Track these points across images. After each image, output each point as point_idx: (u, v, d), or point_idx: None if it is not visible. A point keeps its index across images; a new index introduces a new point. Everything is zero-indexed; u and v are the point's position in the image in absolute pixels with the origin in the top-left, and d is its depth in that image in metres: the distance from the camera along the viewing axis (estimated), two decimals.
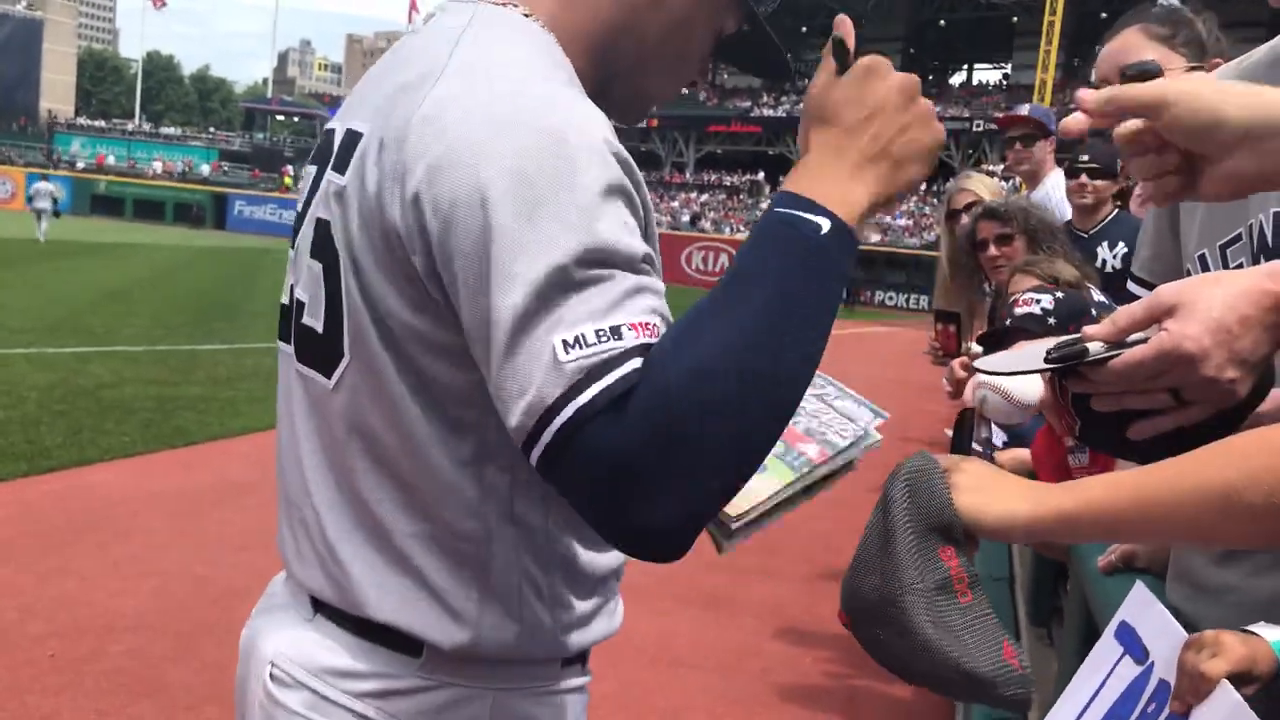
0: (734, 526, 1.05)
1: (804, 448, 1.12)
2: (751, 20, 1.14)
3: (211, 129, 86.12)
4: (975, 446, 2.95)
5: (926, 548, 0.88)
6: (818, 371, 1.14)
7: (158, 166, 57.68)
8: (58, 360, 9.40)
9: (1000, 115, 4.84)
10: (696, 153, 57.35)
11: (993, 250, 3.25)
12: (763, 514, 1.06)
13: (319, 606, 1.08)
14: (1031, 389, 1.20)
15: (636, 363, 0.85)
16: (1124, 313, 0.93)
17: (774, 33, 1.17)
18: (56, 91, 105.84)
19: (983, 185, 4.01)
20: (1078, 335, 0.94)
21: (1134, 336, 0.92)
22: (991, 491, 0.91)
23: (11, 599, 4.13)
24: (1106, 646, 1.12)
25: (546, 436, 0.84)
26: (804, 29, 61.95)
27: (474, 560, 1.02)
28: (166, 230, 42.59)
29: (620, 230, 0.89)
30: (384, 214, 0.93)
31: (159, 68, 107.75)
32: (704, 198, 52.85)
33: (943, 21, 57.28)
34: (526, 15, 1.05)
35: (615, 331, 0.86)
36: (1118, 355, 0.91)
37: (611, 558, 1.13)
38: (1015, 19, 52.55)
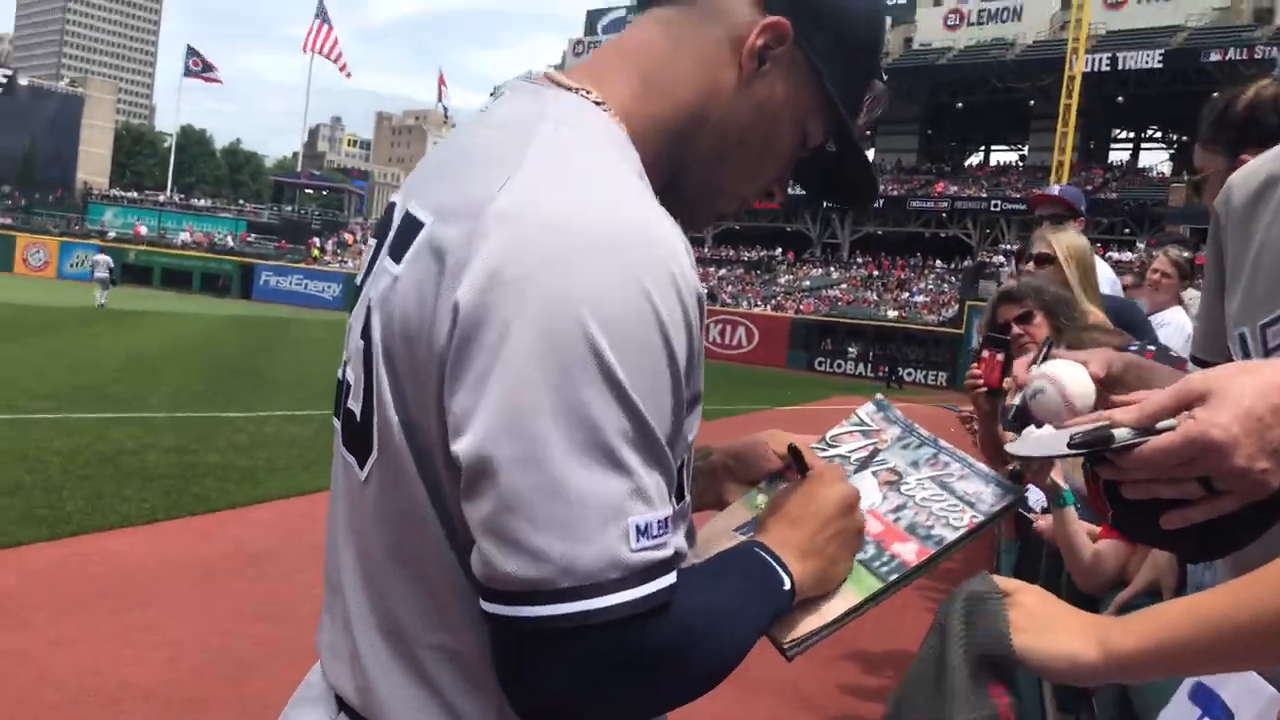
0: (786, 648, 1.02)
1: (900, 549, 1.07)
2: (841, 135, 1.08)
3: (241, 201, 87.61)
4: (1010, 466, 2.88)
5: (979, 683, 0.86)
6: (945, 445, 1.19)
7: (185, 236, 58.61)
8: (81, 426, 9.49)
9: (1031, 194, 4.93)
10: (714, 228, 57.80)
11: (1016, 329, 3.30)
12: (826, 628, 1.04)
13: (343, 706, 1.01)
14: (1091, 391, 1.21)
15: (673, 577, 0.86)
16: (1152, 399, 0.90)
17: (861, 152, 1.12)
18: (93, 164, 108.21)
19: (1061, 242, 3.81)
20: (1105, 420, 0.92)
21: (1163, 424, 0.88)
22: (1053, 632, 0.88)
23: (29, 665, 4.14)
24: (1180, 710, 1.10)
25: (569, 608, 0.81)
26: None
27: (494, 686, 0.90)
28: (193, 299, 43.11)
29: (667, 412, 0.86)
30: (427, 310, 0.87)
31: (192, 141, 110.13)
32: (722, 272, 53.14)
33: (960, 104, 57.92)
34: (599, 103, 0.99)
35: (665, 524, 0.85)
36: (1145, 442, 0.88)
37: None
38: (1032, 102, 53.09)
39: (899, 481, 1.16)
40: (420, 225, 0.93)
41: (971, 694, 0.86)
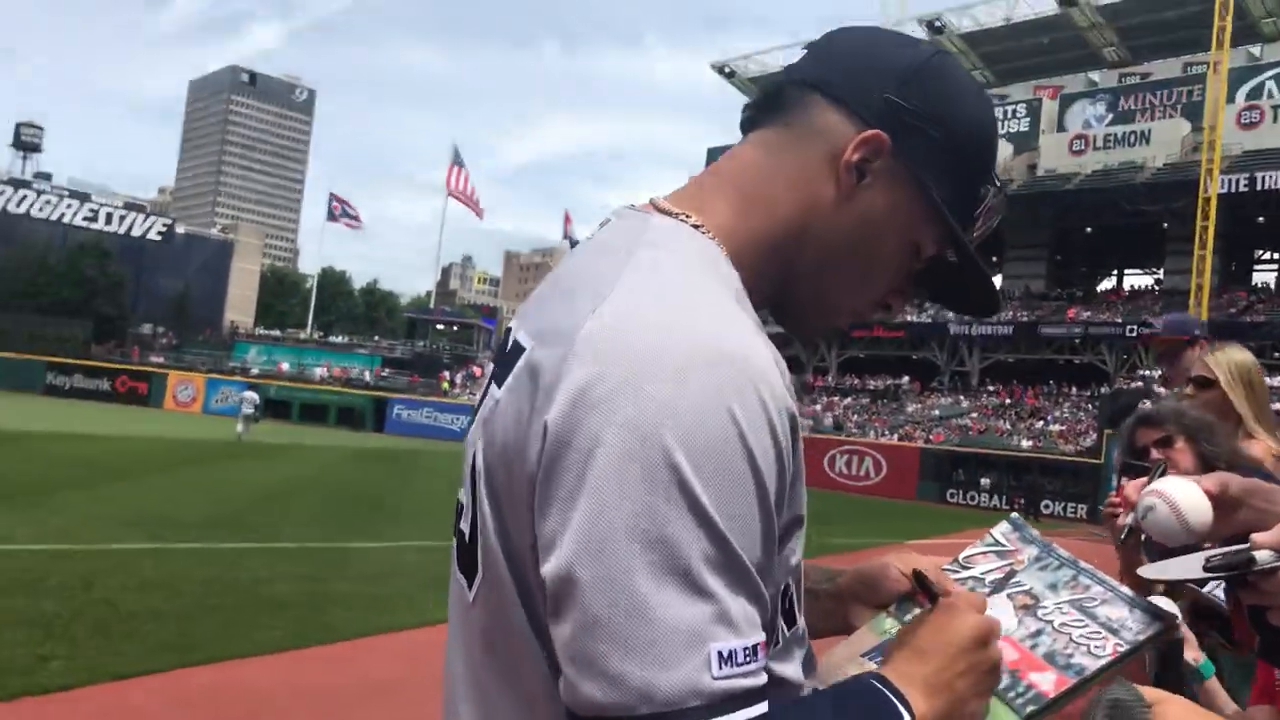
0: None
1: (1037, 678, 1.00)
2: (957, 247, 1.07)
3: (376, 337, 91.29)
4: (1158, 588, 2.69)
5: None
6: (1085, 566, 1.10)
7: (322, 372, 61.21)
8: (217, 555, 9.80)
9: (1144, 336, 4.77)
10: (839, 357, 57.48)
11: (1155, 455, 3.15)
12: None
13: None
14: (1205, 508, 1.12)
15: (764, 706, 0.82)
16: None
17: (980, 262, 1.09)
18: (240, 305, 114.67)
19: (1221, 362, 3.55)
20: (1246, 544, 0.88)
21: None
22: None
23: None
24: None
25: None
26: None
27: None
28: (329, 432, 44.65)
29: (756, 537, 0.84)
30: (522, 432, 0.88)
31: (332, 281, 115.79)
32: (847, 401, 52.56)
33: (1089, 229, 57.02)
34: (698, 226, 1.00)
35: (754, 653, 0.82)
36: None
37: None
38: (1165, 225, 51.92)
39: (1036, 605, 1.08)
40: (522, 350, 0.95)
41: None
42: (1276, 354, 42.35)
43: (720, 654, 0.79)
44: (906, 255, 1.05)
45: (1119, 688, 0.86)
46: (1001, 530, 1.22)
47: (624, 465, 0.80)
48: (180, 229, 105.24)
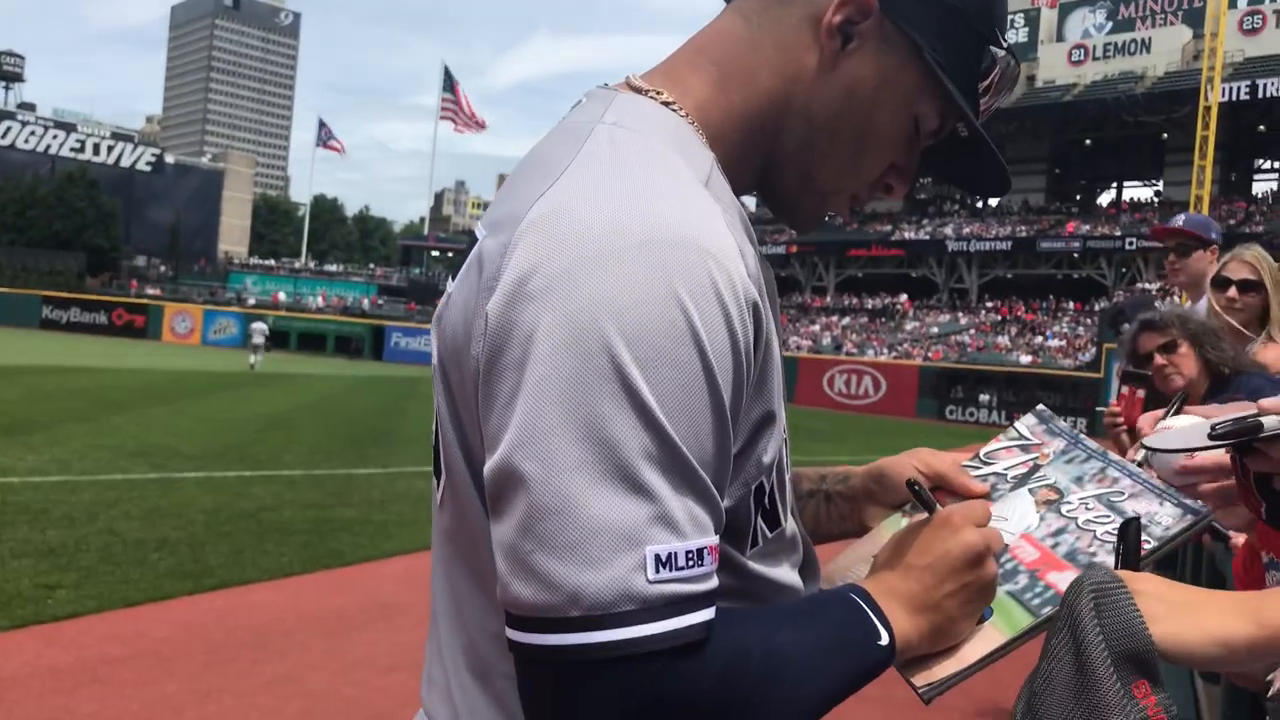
0: (921, 692, 0.95)
1: (1057, 579, 0.95)
2: (962, 120, 0.97)
3: (371, 265, 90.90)
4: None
5: (1124, 683, 0.78)
6: (1115, 459, 1.04)
7: (319, 300, 61.12)
8: (224, 484, 9.86)
9: (1154, 227, 4.68)
10: (837, 277, 57.34)
11: (1159, 360, 3.12)
12: (966, 672, 0.95)
13: None
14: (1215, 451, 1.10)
15: (709, 613, 0.77)
16: None
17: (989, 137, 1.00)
18: (233, 235, 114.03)
19: (1266, 265, 3.56)
20: (1253, 409, 0.86)
21: None
22: (1194, 615, 0.80)
23: (175, 715, 4.24)
24: None
25: (578, 639, 0.73)
26: None
27: None
28: (328, 361, 44.72)
29: (707, 434, 0.78)
30: (468, 324, 0.84)
31: (324, 210, 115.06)
32: (845, 321, 52.56)
33: (1088, 141, 56.45)
34: (668, 103, 0.93)
35: (699, 557, 0.76)
36: None
37: None
38: (1165, 135, 51.40)
39: (1060, 501, 1.03)
40: (475, 241, 0.90)
41: (1120, 695, 0.77)
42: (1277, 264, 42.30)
43: (658, 556, 0.74)
44: (904, 129, 0.96)
45: (1095, 572, 0.83)
46: (1026, 423, 1.17)
47: (562, 360, 0.75)
48: (170, 158, 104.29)
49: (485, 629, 0.90)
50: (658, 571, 0.74)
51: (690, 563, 0.75)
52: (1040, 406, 1.21)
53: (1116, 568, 0.82)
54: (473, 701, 0.92)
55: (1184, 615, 0.80)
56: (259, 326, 35.53)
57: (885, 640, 0.88)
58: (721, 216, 0.84)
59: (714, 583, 0.77)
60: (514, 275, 0.79)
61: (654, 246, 0.77)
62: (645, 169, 0.84)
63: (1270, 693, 1.59)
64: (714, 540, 0.78)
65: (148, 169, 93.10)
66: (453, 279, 0.93)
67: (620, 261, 0.77)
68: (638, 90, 0.95)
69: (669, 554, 0.74)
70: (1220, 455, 1.06)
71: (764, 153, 0.97)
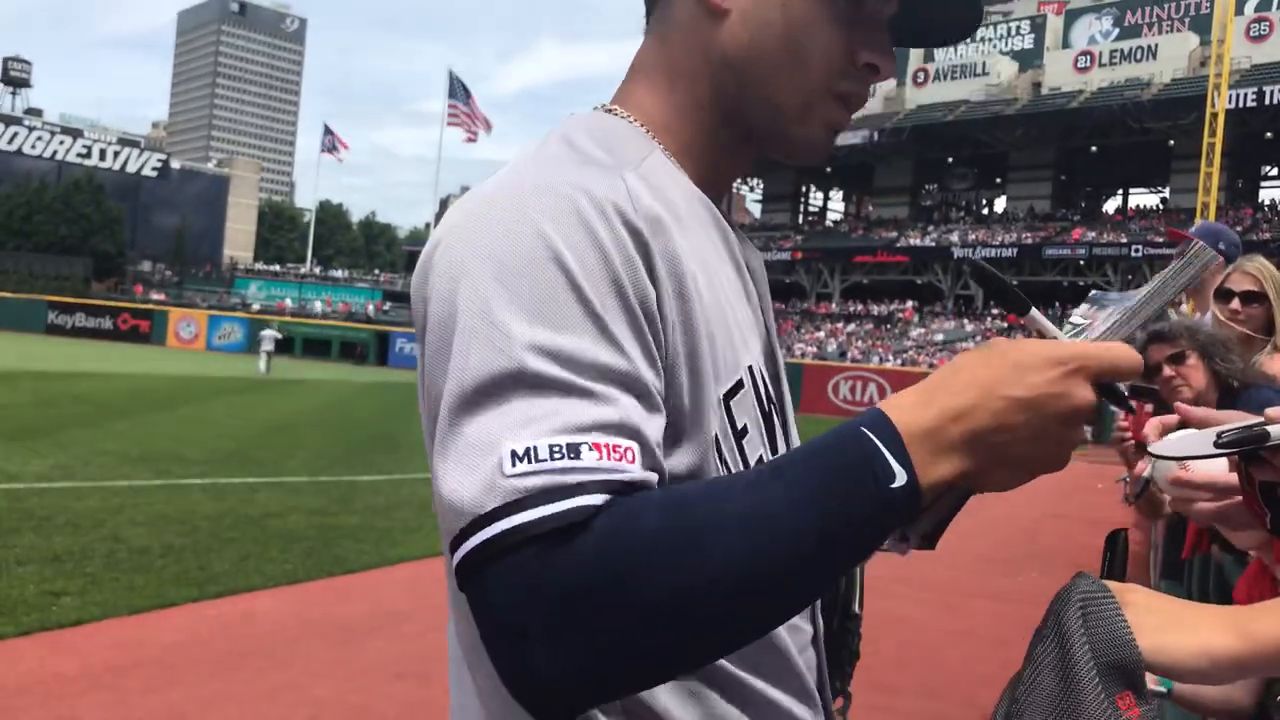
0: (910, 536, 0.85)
1: None
2: None
3: (376, 271, 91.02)
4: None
5: (1108, 694, 0.76)
6: (1118, 297, 0.94)
7: (320, 306, 61.26)
8: (228, 490, 9.85)
9: (1170, 229, 4.66)
10: (842, 283, 57.31)
11: (1167, 371, 3.09)
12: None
13: None
14: (1212, 463, 1.07)
15: (597, 499, 0.75)
16: None
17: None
18: (238, 240, 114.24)
19: (1269, 276, 3.47)
20: (1260, 419, 0.85)
21: None
22: (1181, 629, 0.79)
23: None
24: None
25: (468, 545, 0.76)
26: (949, 159, 62.00)
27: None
28: (332, 366, 44.76)
29: (585, 340, 0.80)
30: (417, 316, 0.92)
31: (330, 215, 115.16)
32: (850, 327, 52.51)
33: (1094, 147, 56.40)
34: (610, 110, 1.01)
35: (574, 450, 0.77)
36: None
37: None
38: (1172, 142, 51.34)
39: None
40: None
41: (1104, 706, 0.75)
42: None
43: (514, 453, 0.76)
44: (826, 12, 0.96)
45: (1081, 581, 0.82)
46: (1080, 311, 1.13)
47: (441, 307, 0.84)
48: (175, 164, 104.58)
49: (466, 636, 0.94)
50: (514, 466, 0.76)
51: (556, 455, 0.76)
52: (1094, 291, 1.15)
53: (1102, 576, 0.80)
54: (460, 691, 0.97)
55: (1172, 628, 0.79)
56: (269, 334, 36.23)
57: (901, 481, 0.76)
58: (607, 177, 0.87)
59: (596, 476, 0.76)
60: (426, 260, 0.89)
61: (520, 196, 0.85)
62: (552, 155, 0.91)
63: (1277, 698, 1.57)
64: (600, 437, 0.78)
65: (154, 174, 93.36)
66: None
67: (489, 215, 0.85)
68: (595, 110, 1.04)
69: (526, 449, 0.76)
70: (1216, 473, 1.05)
71: (736, 119, 1.00)
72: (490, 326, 0.80)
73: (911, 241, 56.08)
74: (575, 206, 0.83)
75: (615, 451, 0.78)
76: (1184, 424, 1.15)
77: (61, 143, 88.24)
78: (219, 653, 5.16)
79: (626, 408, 0.80)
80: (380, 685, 4.82)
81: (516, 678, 0.75)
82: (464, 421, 0.79)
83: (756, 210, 73.99)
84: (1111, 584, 0.83)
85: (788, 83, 0.97)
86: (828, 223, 69.22)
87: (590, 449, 0.77)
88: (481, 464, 0.77)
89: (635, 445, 0.79)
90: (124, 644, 5.17)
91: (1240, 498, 0.94)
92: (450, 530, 0.78)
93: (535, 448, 0.76)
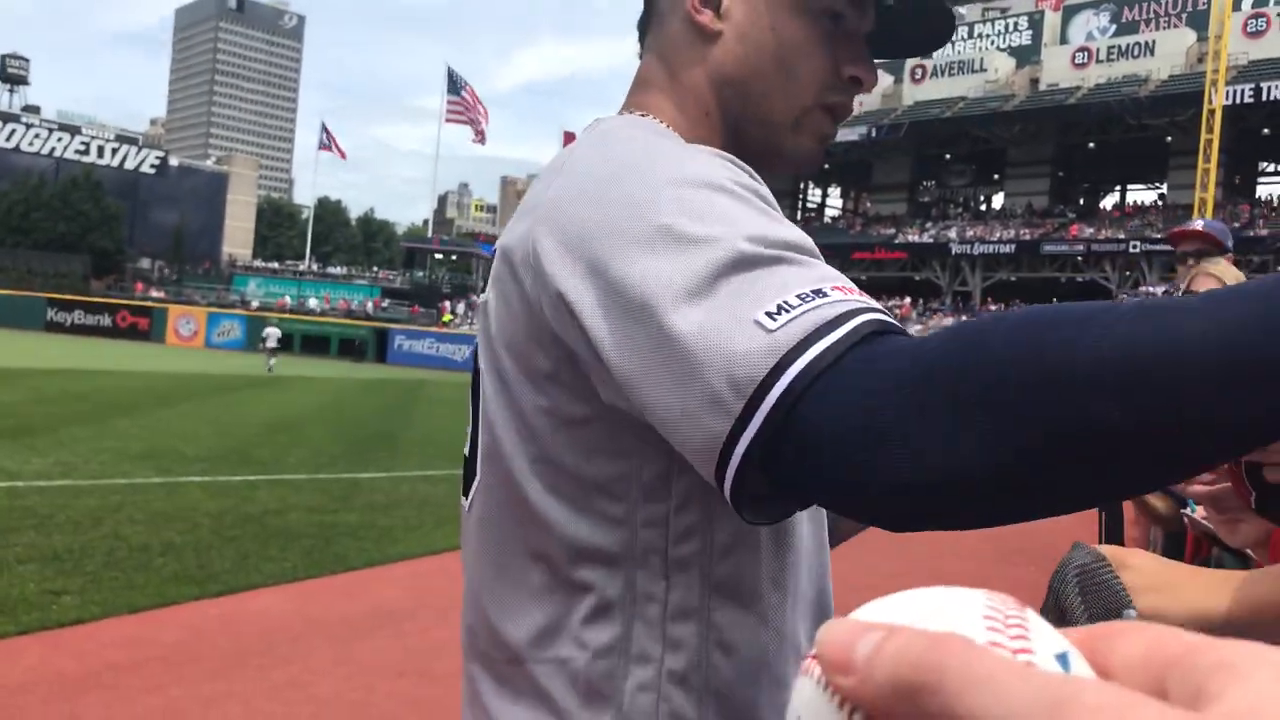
0: None
1: None
2: None
3: (375, 268, 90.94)
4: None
5: None
6: None
7: (314, 303, 61.29)
8: (228, 488, 9.86)
9: (1172, 230, 4.67)
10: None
11: None
12: None
13: None
14: None
15: (873, 317, 0.72)
16: None
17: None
18: (237, 237, 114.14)
19: (1229, 277, 3.53)
20: None
21: None
22: (1174, 590, 0.82)
23: None
24: None
25: (758, 416, 0.70)
26: (947, 156, 61.97)
27: (613, 691, 0.91)
28: (332, 364, 44.73)
29: (771, 222, 0.81)
30: (511, 307, 0.91)
31: (328, 212, 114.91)
32: None
33: (1092, 144, 56.39)
34: (642, 115, 1.05)
35: (820, 294, 0.73)
36: None
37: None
38: (1169, 139, 51.32)
39: None
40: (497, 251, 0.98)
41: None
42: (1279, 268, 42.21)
43: (768, 313, 0.72)
44: (812, 30, 1.02)
45: (1078, 553, 0.84)
46: None
47: (612, 234, 0.82)
48: (174, 161, 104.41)
49: (521, 621, 0.95)
50: (774, 321, 0.72)
51: (806, 300, 0.73)
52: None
53: (1100, 541, 0.81)
54: (504, 706, 0.97)
55: (1166, 590, 0.81)
56: (272, 331, 36.71)
57: None
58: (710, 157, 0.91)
59: (851, 304, 0.73)
60: (556, 234, 0.86)
61: (656, 160, 0.87)
62: (631, 142, 0.93)
63: None
64: (837, 283, 0.76)
65: (152, 171, 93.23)
66: (484, 292, 1.01)
67: (635, 171, 0.85)
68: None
69: (777, 305, 0.73)
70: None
71: (733, 135, 1.05)
72: (686, 239, 0.78)
73: (910, 238, 56.05)
74: (696, 153, 0.88)
75: (854, 292, 0.76)
76: None
77: (60, 140, 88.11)
78: (220, 651, 5.17)
79: (834, 269, 0.80)
80: (382, 683, 4.84)
81: (888, 492, 0.67)
82: (676, 326, 0.75)
83: None
84: (1108, 549, 0.86)
85: (781, 99, 1.03)
86: (826, 219, 69.19)
87: (833, 289, 0.74)
88: (733, 338, 0.72)
89: (834, 284, 0.76)
90: (125, 642, 5.18)
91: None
92: (719, 431, 0.72)
93: (785, 302, 0.73)
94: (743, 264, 0.76)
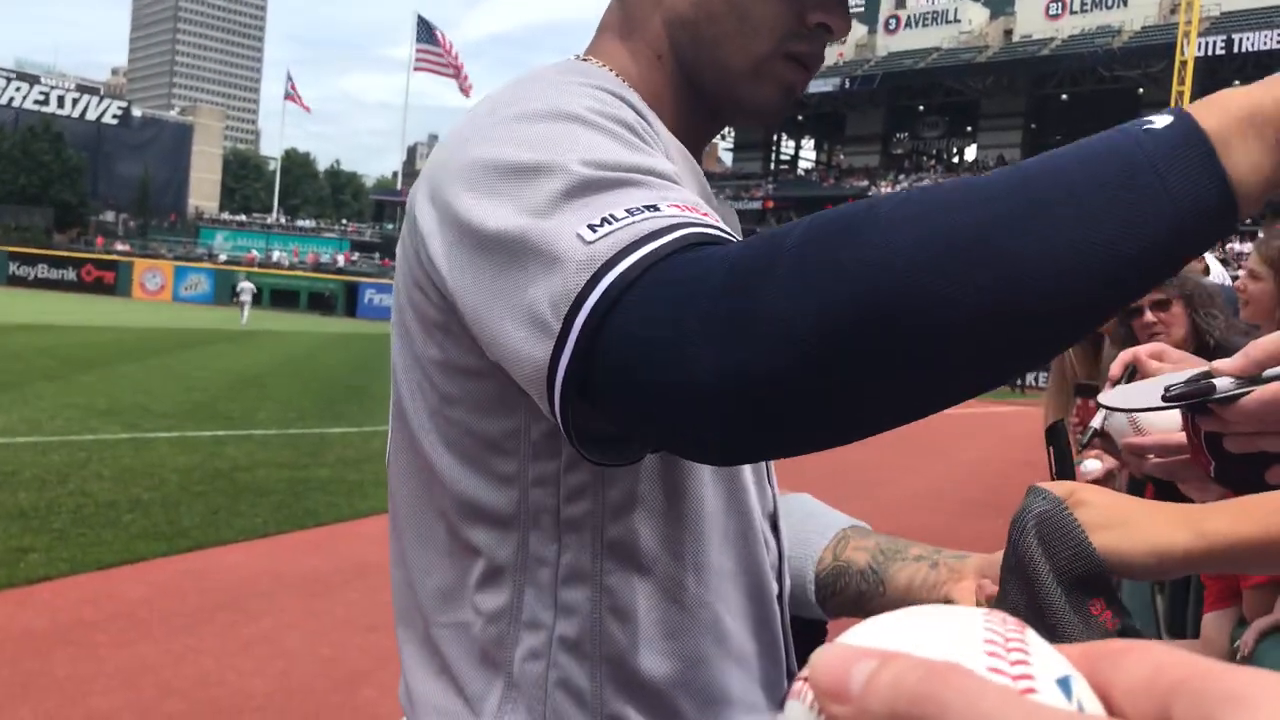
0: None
1: None
2: None
3: (344, 220, 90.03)
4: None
5: (1079, 608, 0.78)
6: None
7: (278, 256, 60.86)
8: (197, 443, 9.78)
9: None
10: None
11: (1149, 316, 3.09)
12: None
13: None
14: (1164, 420, 1.10)
15: (700, 230, 0.69)
16: (1259, 345, 0.82)
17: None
18: (203, 189, 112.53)
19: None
20: (1206, 369, 0.86)
21: (1270, 372, 0.81)
22: (1131, 526, 0.81)
23: (151, 676, 4.23)
24: None
25: (573, 332, 0.68)
26: (921, 107, 61.85)
27: (504, 660, 0.89)
28: (301, 318, 44.42)
29: (623, 148, 0.78)
30: (410, 251, 0.88)
31: (296, 164, 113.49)
32: None
33: (1065, 96, 56.41)
34: (584, 59, 1.00)
35: (653, 208, 0.70)
36: (1249, 393, 0.80)
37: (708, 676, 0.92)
38: (1141, 90, 51.41)
39: None
40: None
41: (1083, 626, 0.78)
42: (1248, 219, 42.58)
43: (590, 225, 0.70)
44: None
45: (1036, 499, 0.84)
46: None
47: (500, 164, 0.78)
48: (137, 111, 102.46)
49: (429, 580, 0.93)
50: (594, 233, 0.69)
51: (636, 213, 0.70)
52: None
53: (1052, 476, 0.82)
54: (414, 667, 0.96)
55: (1123, 527, 0.81)
56: (246, 285, 37.02)
57: (1164, 123, 0.60)
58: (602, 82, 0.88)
59: (698, 223, 0.70)
60: (427, 174, 0.86)
61: (517, 97, 0.84)
62: (525, 85, 0.87)
63: (1238, 657, 1.61)
64: (676, 200, 0.73)
65: (114, 122, 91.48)
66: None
67: (505, 115, 0.81)
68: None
69: (601, 219, 0.70)
70: (1168, 434, 1.07)
71: (686, 79, 0.98)
72: (524, 172, 0.76)
73: (883, 189, 56.06)
74: (568, 87, 0.84)
75: (698, 211, 0.72)
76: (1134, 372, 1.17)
77: (18, 89, 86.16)
78: (190, 607, 5.15)
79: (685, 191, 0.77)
80: (352, 637, 4.84)
81: (701, 403, 0.63)
82: (514, 243, 0.73)
83: (728, 159, 73.62)
84: (1063, 486, 0.86)
85: (736, 44, 0.95)
86: (799, 171, 69.02)
87: (669, 207, 0.71)
88: (558, 261, 0.70)
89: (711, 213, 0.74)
90: (93, 599, 5.15)
91: (1187, 456, 0.96)
92: (537, 352, 0.70)
93: (610, 214, 0.70)
94: (579, 189, 0.73)
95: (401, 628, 0.99)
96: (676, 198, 0.73)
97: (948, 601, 1.05)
